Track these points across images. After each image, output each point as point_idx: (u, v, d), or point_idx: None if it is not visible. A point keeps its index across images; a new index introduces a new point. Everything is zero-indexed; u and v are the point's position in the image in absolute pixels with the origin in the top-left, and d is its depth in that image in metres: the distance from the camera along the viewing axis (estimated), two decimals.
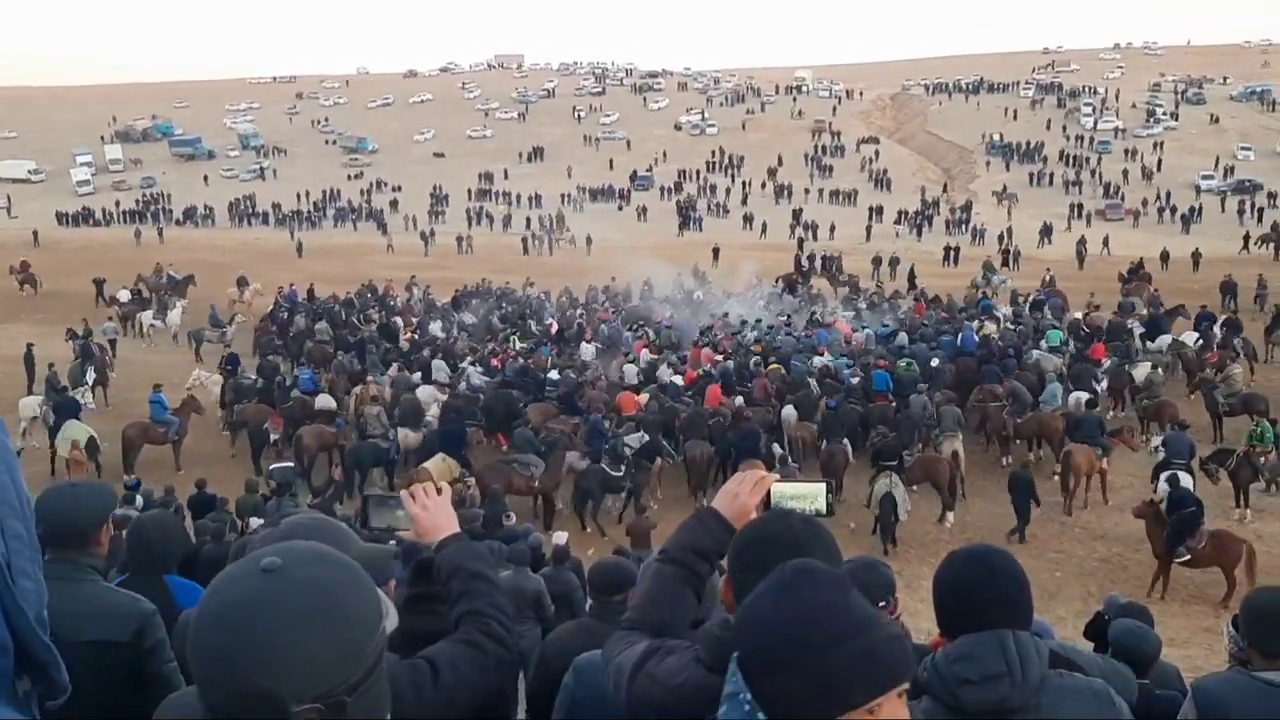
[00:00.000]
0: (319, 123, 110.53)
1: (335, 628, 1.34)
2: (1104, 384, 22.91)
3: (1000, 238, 50.27)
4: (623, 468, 18.37)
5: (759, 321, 31.57)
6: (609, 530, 17.62)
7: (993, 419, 21.15)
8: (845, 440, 19.68)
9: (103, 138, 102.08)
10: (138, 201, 77.54)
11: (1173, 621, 13.17)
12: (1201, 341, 25.79)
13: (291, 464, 18.73)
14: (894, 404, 21.23)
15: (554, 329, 32.01)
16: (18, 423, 21.31)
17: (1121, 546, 16.79)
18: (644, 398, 22.24)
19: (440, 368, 25.06)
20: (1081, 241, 47.30)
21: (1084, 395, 20.92)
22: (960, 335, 27.22)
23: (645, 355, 27.20)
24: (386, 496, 2.62)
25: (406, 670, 1.98)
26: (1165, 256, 42.44)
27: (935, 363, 23.94)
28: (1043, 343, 26.53)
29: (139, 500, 14.09)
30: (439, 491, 2.56)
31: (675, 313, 35.22)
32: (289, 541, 1.50)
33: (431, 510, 2.48)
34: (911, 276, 41.17)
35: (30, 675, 1.26)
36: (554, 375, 24.35)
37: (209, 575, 4.89)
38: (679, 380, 23.88)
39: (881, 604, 3.35)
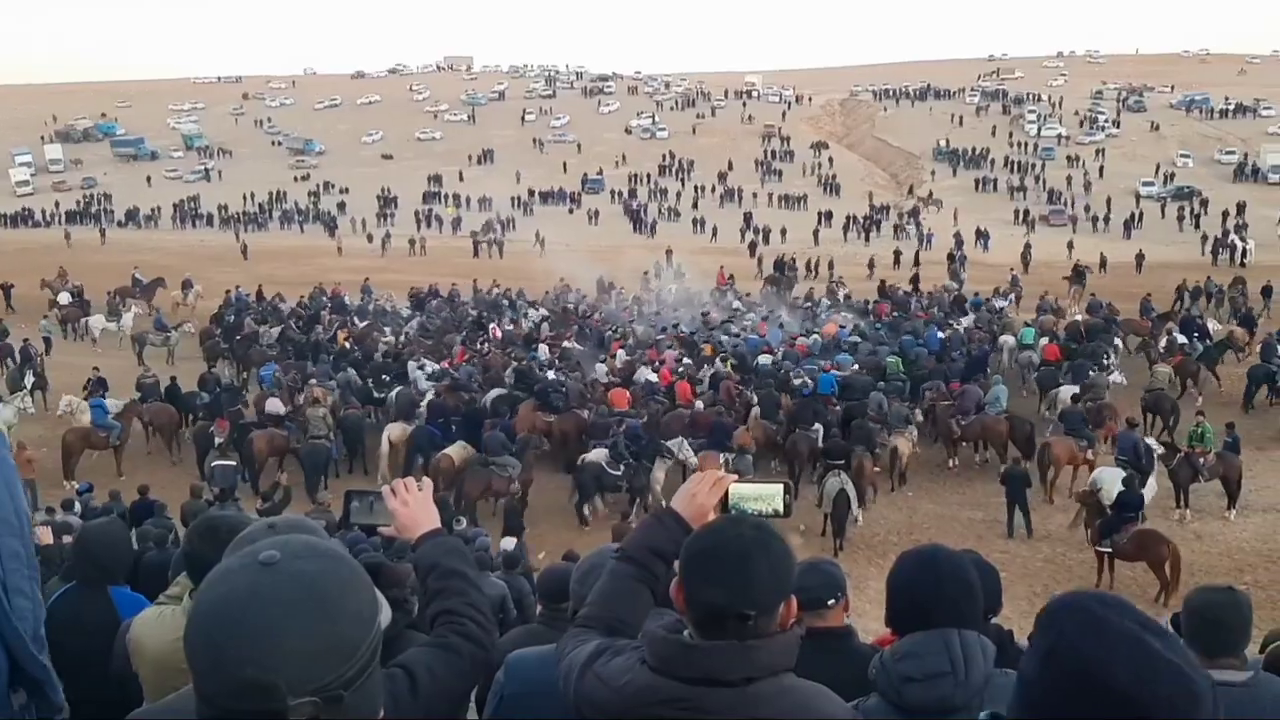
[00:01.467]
0: (265, 123, 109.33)
1: (332, 622, 1.35)
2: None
3: (958, 242, 50.93)
4: (621, 467, 18.38)
5: (703, 318, 32.14)
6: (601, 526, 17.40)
7: (940, 420, 21.40)
8: (817, 428, 19.93)
9: (42, 137, 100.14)
10: (78, 202, 76.10)
11: None
12: (1167, 343, 26.39)
13: (233, 463, 18.56)
14: (837, 406, 21.32)
15: (540, 330, 31.37)
16: None
17: (1065, 547, 17.05)
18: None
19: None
20: (1027, 248, 48.03)
21: (1071, 389, 21.52)
22: (925, 334, 27.77)
23: (621, 355, 27.13)
24: (367, 493, 2.59)
25: (384, 680, 1.93)
26: (1103, 262, 43.22)
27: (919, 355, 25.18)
28: (1008, 338, 27.58)
29: (77, 507, 13.80)
30: (420, 487, 2.52)
31: (638, 313, 35.68)
32: (285, 536, 1.51)
33: (412, 506, 2.45)
34: (838, 280, 41.66)
35: (26, 692, 1.24)
36: (551, 375, 24.01)
37: (151, 582, 4.84)
38: (655, 379, 23.87)
39: (830, 601, 3.38)
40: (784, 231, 57.48)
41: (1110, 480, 16.16)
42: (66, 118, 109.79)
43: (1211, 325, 28.96)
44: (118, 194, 77.48)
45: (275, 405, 21.60)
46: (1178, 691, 1.35)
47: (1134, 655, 1.37)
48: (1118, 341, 27.64)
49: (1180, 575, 14.26)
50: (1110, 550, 15.22)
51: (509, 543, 12.37)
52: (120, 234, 63.79)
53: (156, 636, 3.04)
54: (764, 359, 25.43)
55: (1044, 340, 27.03)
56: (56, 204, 74.01)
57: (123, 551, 4.85)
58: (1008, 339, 27.91)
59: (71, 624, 4.05)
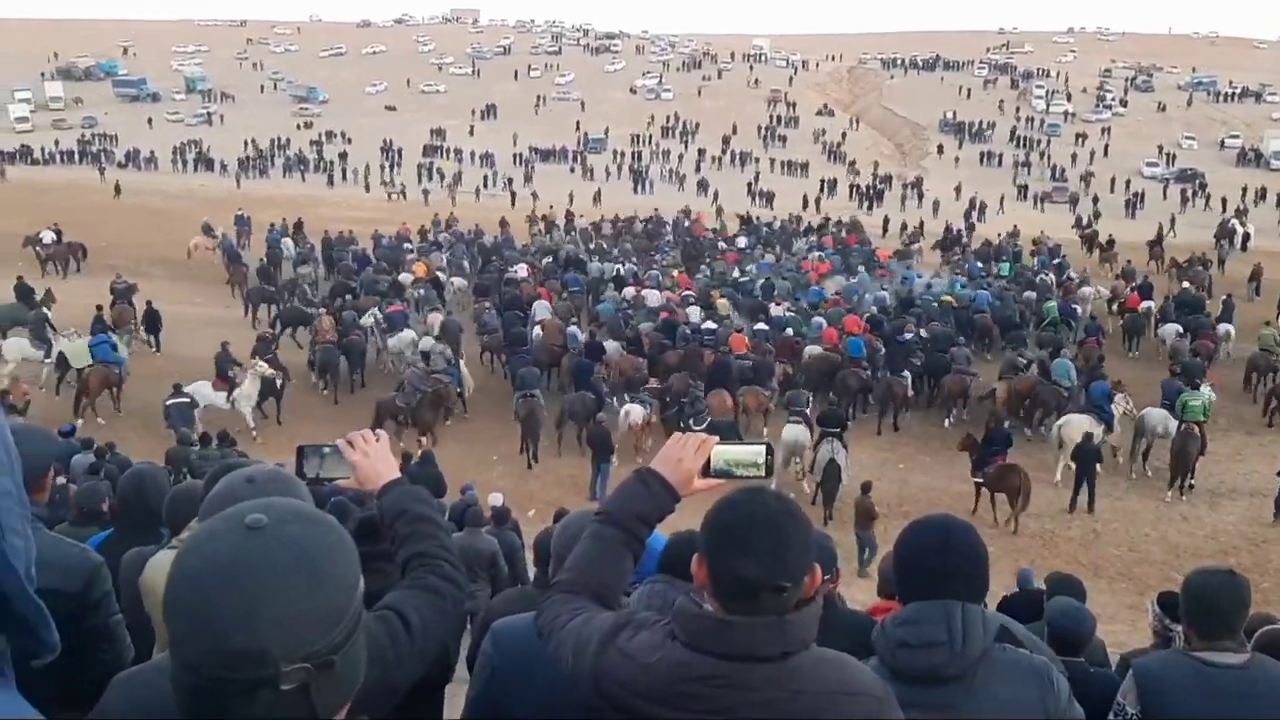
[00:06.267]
0: (268, 69, 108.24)
1: (321, 586, 1.33)
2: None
3: (967, 213, 50.91)
4: None
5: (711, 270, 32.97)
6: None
7: (950, 382, 21.68)
8: (906, 374, 21.44)
9: (43, 74, 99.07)
10: (78, 141, 75.41)
11: (1100, 598, 13.48)
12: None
13: (187, 399, 18.79)
14: (866, 371, 22.06)
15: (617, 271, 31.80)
16: (2, 363, 21.19)
17: (1054, 523, 17.19)
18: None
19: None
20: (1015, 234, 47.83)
21: (1175, 326, 24.66)
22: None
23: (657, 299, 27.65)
24: (319, 446, 2.50)
25: (379, 624, 1.92)
26: (1111, 241, 42.92)
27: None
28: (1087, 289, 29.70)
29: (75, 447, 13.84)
30: (376, 438, 2.47)
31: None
32: (270, 499, 1.46)
33: (373, 456, 2.40)
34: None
35: (16, 634, 1.25)
36: (710, 325, 24.04)
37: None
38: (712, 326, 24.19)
39: (826, 576, 3.43)
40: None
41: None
42: (68, 55, 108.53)
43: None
44: (118, 134, 76.86)
45: (426, 342, 22.63)
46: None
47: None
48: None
49: (1025, 503, 16.57)
50: (981, 481, 17.07)
51: (496, 498, 12.43)
52: (119, 174, 63.26)
53: None
54: (774, 310, 26.48)
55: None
56: (56, 142, 73.33)
57: (167, 493, 4.92)
58: (1086, 290, 29.54)
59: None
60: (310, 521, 1.39)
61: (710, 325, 23.95)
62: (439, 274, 30.64)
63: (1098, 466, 17.70)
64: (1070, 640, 4.67)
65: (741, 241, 39.72)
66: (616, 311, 26.15)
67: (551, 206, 48.03)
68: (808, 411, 18.86)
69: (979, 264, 35.49)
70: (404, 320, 24.60)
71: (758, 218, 47.53)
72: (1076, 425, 18.46)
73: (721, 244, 39.94)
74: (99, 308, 23.61)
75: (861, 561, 14.75)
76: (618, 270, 31.61)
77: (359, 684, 1.45)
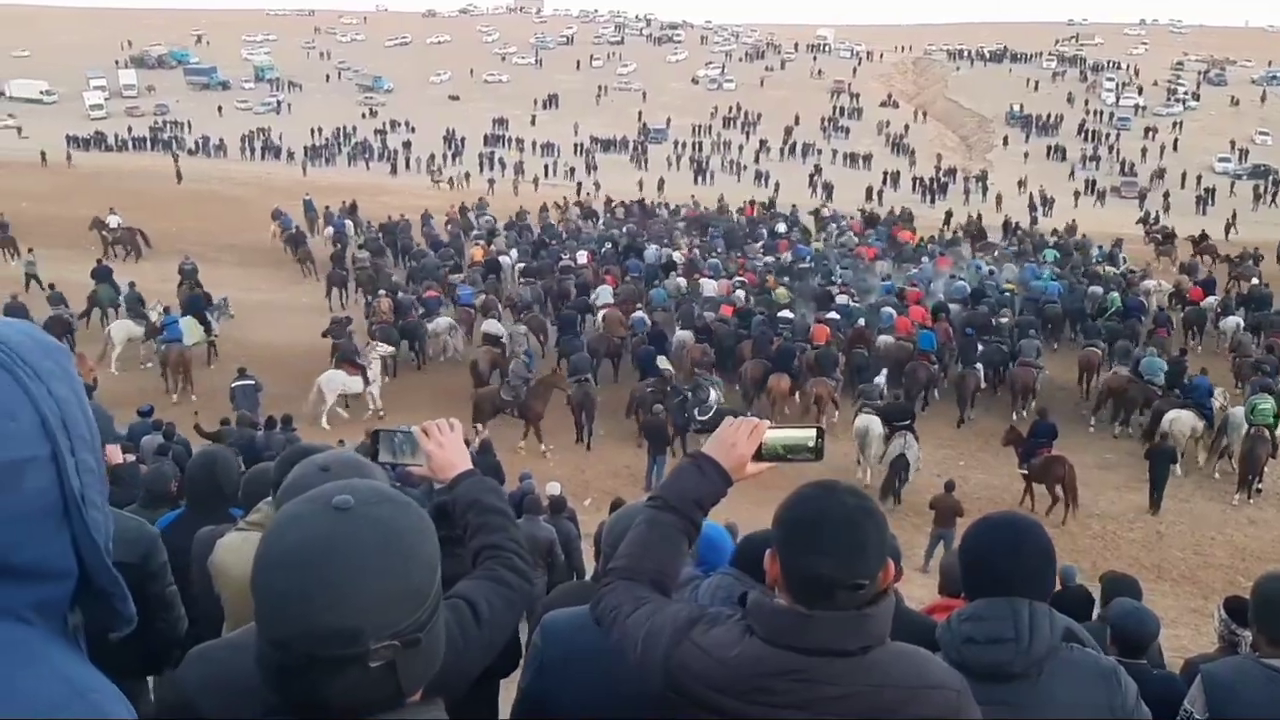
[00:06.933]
0: (335, 58, 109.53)
1: (406, 566, 1.36)
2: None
3: (1030, 207, 50.19)
4: None
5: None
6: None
7: (1020, 374, 21.49)
8: (979, 366, 21.56)
9: (116, 62, 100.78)
10: (150, 129, 76.87)
11: (1163, 601, 13.29)
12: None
13: (253, 382, 19.03)
14: (934, 364, 22.02)
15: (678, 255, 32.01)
16: (112, 348, 22.03)
17: (1116, 525, 16.92)
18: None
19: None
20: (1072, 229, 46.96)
21: (1235, 319, 24.22)
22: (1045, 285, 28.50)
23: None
24: (394, 431, 2.52)
25: (450, 611, 1.93)
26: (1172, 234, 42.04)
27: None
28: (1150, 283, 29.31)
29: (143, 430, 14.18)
30: (450, 428, 2.50)
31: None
32: (350, 480, 1.49)
33: (446, 447, 2.43)
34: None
35: (95, 608, 1.29)
36: (788, 314, 24.06)
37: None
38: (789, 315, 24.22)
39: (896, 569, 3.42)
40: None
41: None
42: (142, 43, 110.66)
43: None
44: (189, 121, 78.25)
45: (494, 326, 23.07)
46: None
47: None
48: None
49: (1073, 495, 16.65)
50: (1026, 473, 17.27)
51: (554, 487, 12.50)
52: (189, 162, 64.39)
53: (240, 563, 3.09)
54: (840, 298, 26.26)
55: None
56: (129, 129, 74.80)
57: (236, 474, 5.04)
58: (1149, 283, 29.15)
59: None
60: (394, 503, 1.42)
61: (788, 314, 23.93)
62: (501, 258, 30.92)
63: (1173, 468, 17.50)
64: (1133, 642, 4.61)
65: (780, 227, 39.59)
66: (672, 299, 26.19)
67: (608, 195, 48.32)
68: (880, 402, 18.86)
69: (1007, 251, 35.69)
70: (439, 305, 25.03)
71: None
72: (1186, 421, 18.41)
73: (762, 230, 39.71)
74: (195, 287, 24.43)
75: (928, 558, 14.64)
76: (670, 256, 31.65)
77: (439, 663, 1.48)
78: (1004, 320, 24.26)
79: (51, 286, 24.24)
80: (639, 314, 24.14)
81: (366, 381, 20.59)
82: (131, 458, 10.39)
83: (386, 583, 1.33)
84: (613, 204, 45.26)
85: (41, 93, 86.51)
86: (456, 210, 40.38)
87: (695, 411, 18.64)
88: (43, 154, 55.05)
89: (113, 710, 1.18)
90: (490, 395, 19.63)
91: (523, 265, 30.29)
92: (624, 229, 38.29)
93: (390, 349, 21.77)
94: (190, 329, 21.99)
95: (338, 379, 20.16)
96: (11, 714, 1.09)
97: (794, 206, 44.34)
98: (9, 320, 1.25)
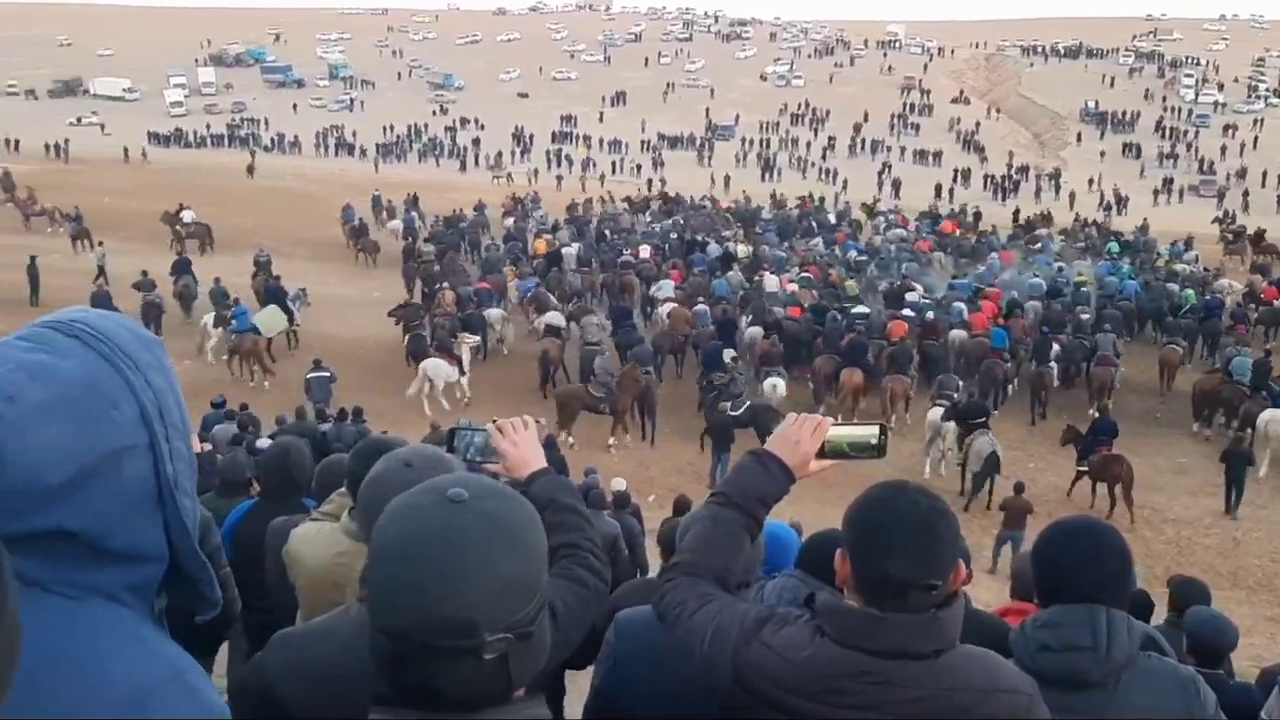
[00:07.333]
0: (407, 56, 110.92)
1: (520, 559, 1.37)
2: None
3: (1104, 205, 49.31)
4: None
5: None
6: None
7: (1099, 373, 21.17)
8: (1053, 364, 21.21)
9: (196, 60, 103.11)
10: (228, 126, 78.51)
11: (1238, 609, 12.96)
12: None
13: (328, 374, 19.22)
14: (1007, 363, 21.70)
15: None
16: (208, 338, 22.73)
17: (1191, 530, 16.54)
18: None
19: None
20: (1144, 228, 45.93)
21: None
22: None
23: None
24: (472, 428, 2.53)
25: None
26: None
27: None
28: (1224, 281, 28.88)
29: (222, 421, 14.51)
30: (526, 426, 2.49)
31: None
32: (458, 474, 1.51)
33: (522, 446, 2.43)
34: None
35: (181, 592, 1.33)
36: (863, 309, 23.99)
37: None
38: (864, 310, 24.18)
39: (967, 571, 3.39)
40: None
41: None
42: (220, 42, 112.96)
43: None
44: (266, 119, 79.78)
45: (556, 318, 23.20)
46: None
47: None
48: None
49: (1130, 493, 16.40)
50: (1085, 470, 17.11)
51: (619, 483, 12.53)
52: (265, 158, 65.65)
53: (315, 553, 3.13)
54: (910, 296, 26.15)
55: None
56: (208, 126, 76.53)
57: (309, 465, 5.16)
58: (1224, 281, 28.81)
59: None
60: (505, 496, 1.44)
61: (863, 309, 23.79)
62: (563, 250, 31.10)
63: (1250, 470, 17.10)
64: (1211, 650, 4.51)
65: (830, 219, 39.57)
66: (736, 292, 26.19)
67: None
68: (956, 396, 18.70)
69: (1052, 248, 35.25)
70: (490, 298, 25.29)
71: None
72: None
73: (812, 222, 39.53)
74: (276, 277, 25.21)
75: (994, 560, 14.45)
76: (727, 249, 31.62)
77: (546, 658, 1.48)
78: (1085, 317, 23.92)
79: (144, 273, 24.78)
80: (701, 306, 24.06)
81: (462, 371, 20.96)
82: (209, 447, 10.67)
83: (501, 575, 1.34)
84: (648, 197, 45.70)
85: (124, 90, 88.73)
86: (511, 201, 40.94)
87: (729, 405, 18.54)
88: (125, 150, 56.49)
89: (205, 690, 1.23)
90: (578, 394, 19.34)
91: (579, 257, 30.56)
92: (671, 221, 38.57)
93: (476, 339, 22.13)
94: (273, 317, 22.54)
95: (443, 367, 20.46)
96: (113, 692, 1.13)
97: (845, 201, 44.08)
98: (106, 313, 1.29)
